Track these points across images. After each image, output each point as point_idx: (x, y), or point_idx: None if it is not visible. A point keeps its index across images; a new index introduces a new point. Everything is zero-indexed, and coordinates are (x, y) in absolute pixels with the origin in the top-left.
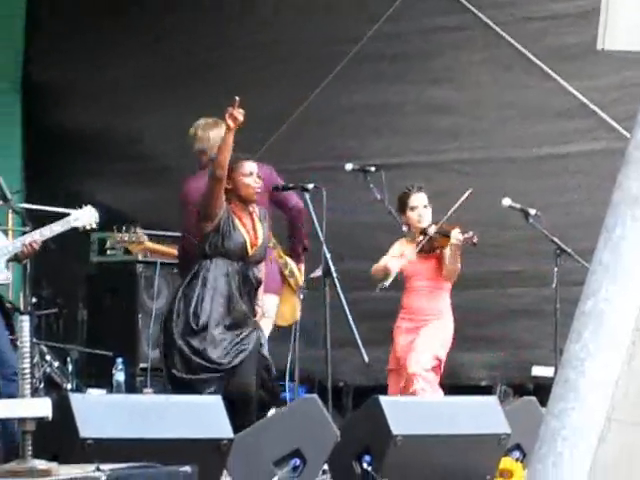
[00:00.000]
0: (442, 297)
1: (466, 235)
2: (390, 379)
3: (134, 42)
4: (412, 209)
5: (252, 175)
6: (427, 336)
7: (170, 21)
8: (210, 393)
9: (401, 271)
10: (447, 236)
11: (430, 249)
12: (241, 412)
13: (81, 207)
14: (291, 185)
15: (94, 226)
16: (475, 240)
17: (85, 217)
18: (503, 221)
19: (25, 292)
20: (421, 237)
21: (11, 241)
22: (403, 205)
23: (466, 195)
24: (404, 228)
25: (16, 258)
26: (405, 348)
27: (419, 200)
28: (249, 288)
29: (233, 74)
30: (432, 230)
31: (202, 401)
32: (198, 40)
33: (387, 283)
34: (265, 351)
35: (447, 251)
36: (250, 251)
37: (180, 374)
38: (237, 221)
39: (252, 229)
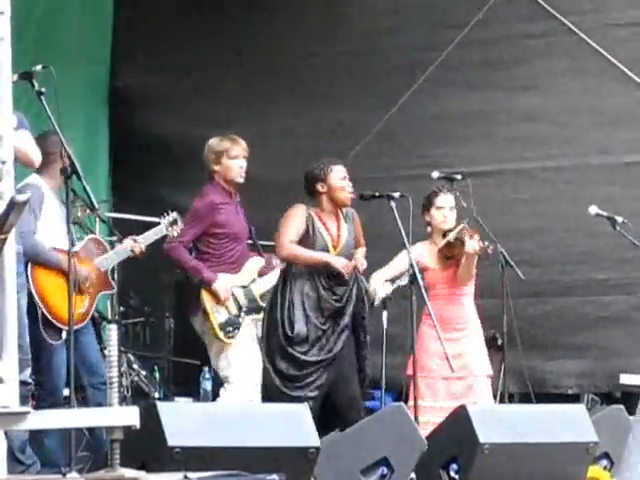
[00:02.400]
0: (466, 303)
1: (481, 245)
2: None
3: (216, 52)
4: (438, 208)
5: (346, 178)
6: (477, 345)
7: (252, 30)
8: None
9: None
10: (463, 244)
11: (449, 255)
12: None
13: (167, 214)
14: (377, 194)
15: (179, 232)
16: (490, 251)
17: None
18: (590, 229)
19: (113, 301)
20: (442, 241)
21: (118, 248)
22: (429, 204)
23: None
24: (428, 229)
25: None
26: (440, 355)
27: (447, 201)
28: (338, 286)
29: (318, 84)
30: (452, 236)
31: (289, 409)
32: (282, 50)
33: (376, 304)
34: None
35: (462, 259)
36: (333, 252)
37: (282, 385)
38: (321, 225)
39: (336, 229)
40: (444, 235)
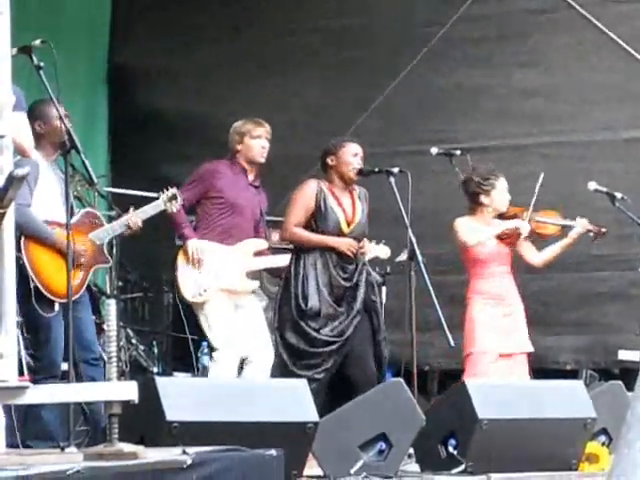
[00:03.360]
0: (512, 280)
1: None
2: (472, 362)
3: (216, 28)
4: (501, 192)
5: (357, 156)
6: (524, 321)
7: (251, 5)
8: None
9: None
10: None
11: (503, 236)
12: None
13: (167, 189)
14: (377, 169)
15: (179, 207)
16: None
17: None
18: (589, 205)
19: (111, 276)
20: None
21: (114, 222)
22: (491, 187)
23: (540, 181)
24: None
25: (115, 236)
26: (501, 333)
27: (505, 184)
28: (348, 265)
29: (317, 58)
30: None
31: (288, 384)
32: (282, 25)
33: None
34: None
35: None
36: (346, 229)
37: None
38: (332, 200)
39: (351, 206)
40: (500, 216)
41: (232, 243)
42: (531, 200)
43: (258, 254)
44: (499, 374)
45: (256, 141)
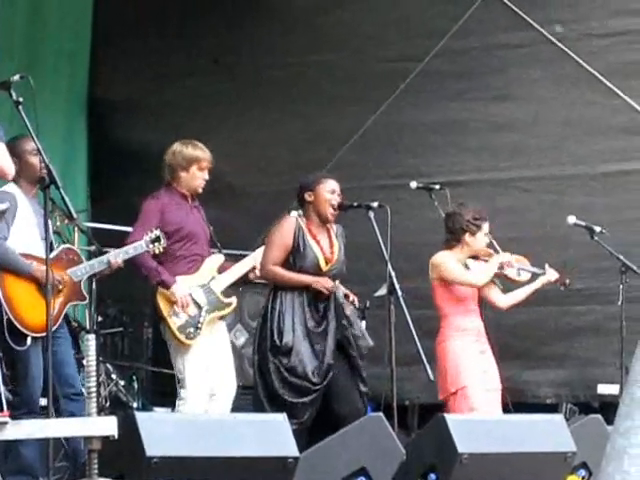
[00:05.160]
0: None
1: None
2: (455, 402)
3: (194, 61)
4: (486, 235)
5: (334, 193)
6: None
7: (231, 40)
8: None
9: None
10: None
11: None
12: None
13: (150, 231)
14: (356, 204)
15: (161, 250)
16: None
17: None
18: (568, 238)
19: (91, 311)
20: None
21: (93, 260)
22: (478, 228)
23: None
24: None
25: (93, 275)
26: (482, 370)
27: (487, 228)
28: (326, 304)
29: (296, 92)
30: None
31: (268, 419)
32: (260, 59)
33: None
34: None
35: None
36: (325, 267)
37: (283, 393)
38: (310, 238)
39: (328, 246)
40: (473, 257)
41: (195, 270)
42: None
43: (221, 269)
44: (487, 409)
45: (202, 173)
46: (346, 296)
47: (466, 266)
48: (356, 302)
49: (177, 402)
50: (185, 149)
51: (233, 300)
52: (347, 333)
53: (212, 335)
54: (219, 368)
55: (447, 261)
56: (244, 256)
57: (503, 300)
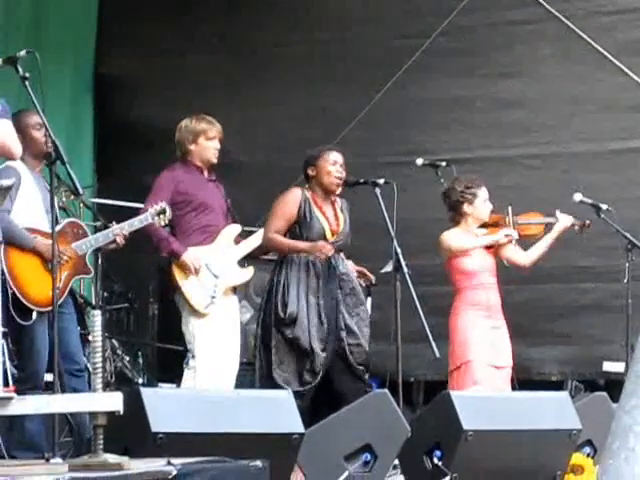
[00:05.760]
0: (497, 291)
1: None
2: (459, 376)
3: (199, 37)
4: (485, 201)
5: (336, 164)
6: (508, 335)
7: (236, 17)
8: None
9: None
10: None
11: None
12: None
13: (155, 204)
14: (362, 180)
15: (166, 222)
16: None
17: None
18: (574, 216)
19: (97, 287)
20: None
21: (98, 233)
22: (474, 196)
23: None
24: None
25: (98, 249)
26: (492, 346)
27: (487, 193)
28: (333, 275)
29: (302, 70)
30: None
31: (273, 395)
32: (266, 36)
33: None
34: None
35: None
36: (331, 238)
37: (277, 377)
38: (316, 209)
39: (334, 217)
40: (482, 225)
41: (211, 241)
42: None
43: (236, 241)
44: (490, 385)
45: (211, 142)
46: (361, 273)
47: (476, 236)
48: (372, 278)
49: (186, 371)
50: (190, 123)
51: (249, 270)
52: (343, 345)
53: (225, 308)
54: (226, 343)
55: (445, 236)
56: (252, 232)
57: (525, 258)
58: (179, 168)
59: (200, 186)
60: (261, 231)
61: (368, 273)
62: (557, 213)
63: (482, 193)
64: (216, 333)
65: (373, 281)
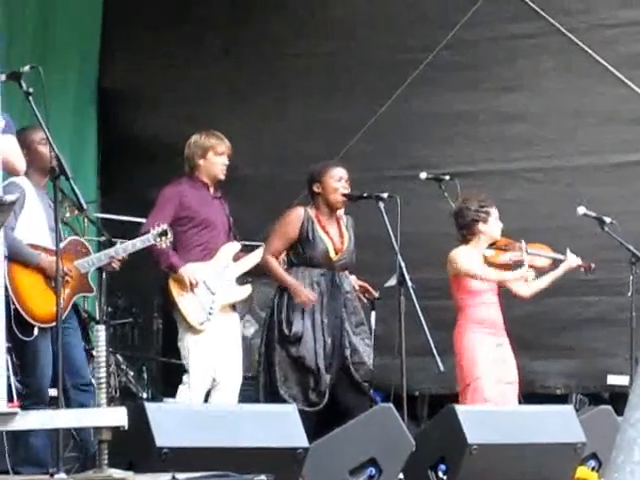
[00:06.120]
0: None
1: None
2: (468, 394)
3: (203, 51)
4: (496, 220)
5: (341, 180)
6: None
7: (240, 29)
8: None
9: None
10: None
11: (496, 265)
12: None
13: (158, 225)
14: (365, 194)
15: (169, 244)
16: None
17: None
18: (578, 229)
19: (101, 302)
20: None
21: (100, 252)
22: (487, 215)
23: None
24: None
25: (99, 268)
26: (499, 362)
27: (497, 213)
28: (337, 294)
29: (306, 83)
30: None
31: (277, 410)
32: (269, 50)
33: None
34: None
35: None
36: (334, 257)
37: (283, 393)
38: (319, 229)
39: (338, 235)
40: (492, 244)
41: (210, 258)
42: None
43: (236, 258)
44: (501, 402)
45: (220, 158)
46: (363, 289)
47: (484, 256)
48: (374, 295)
49: (180, 386)
50: (200, 139)
51: (247, 288)
52: (347, 363)
53: (223, 325)
54: (226, 359)
55: (459, 255)
56: (253, 247)
57: (526, 290)
58: (185, 183)
59: (204, 202)
60: (260, 250)
61: (371, 289)
62: (568, 252)
63: (494, 212)
64: (212, 350)
65: (376, 296)
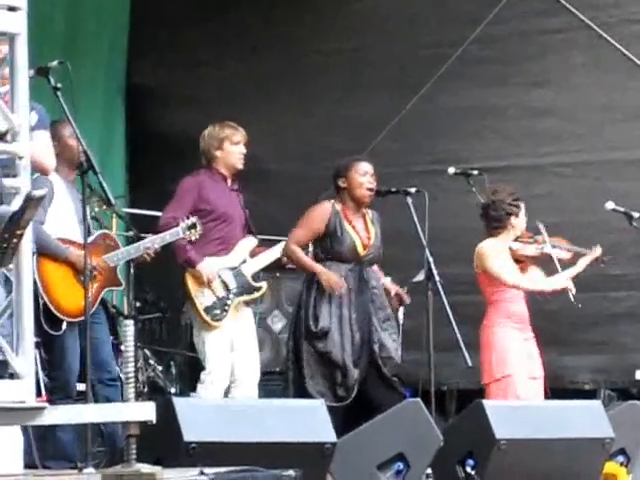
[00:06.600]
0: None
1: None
2: (499, 389)
3: (232, 47)
4: (524, 214)
5: (366, 175)
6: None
7: (268, 27)
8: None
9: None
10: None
11: (523, 257)
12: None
13: (187, 218)
14: (393, 189)
15: (197, 237)
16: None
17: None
18: (606, 224)
19: (129, 296)
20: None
21: (129, 246)
22: (517, 209)
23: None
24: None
25: (130, 260)
26: (528, 357)
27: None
28: (365, 289)
29: (332, 78)
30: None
31: (305, 405)
32: (296, 46)
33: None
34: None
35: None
36: (362, 252)
37: (312, 389)
38: (346, 224)
39: (365, 230)
40: (516, 239)
41: (226, 253)
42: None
43: (253, 253)
44: (531, 397)
45: (236, 147)
46: (396, 294)
47: (510, 249)
48: (405, 299)
49: (198, 385)
50: (214, 130)
51: (263, 285)
52: (375, 358)
53: (237, 320)
54: (243, 354)
55: (492, 254)
56: (277, 241)
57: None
58: (204, 174)
59: (223, 195)
60: (279, 245)
61: (405, 296)
62: (594, 248)
63: (523, 205)
64: (228, 346)
65: (408, 302)
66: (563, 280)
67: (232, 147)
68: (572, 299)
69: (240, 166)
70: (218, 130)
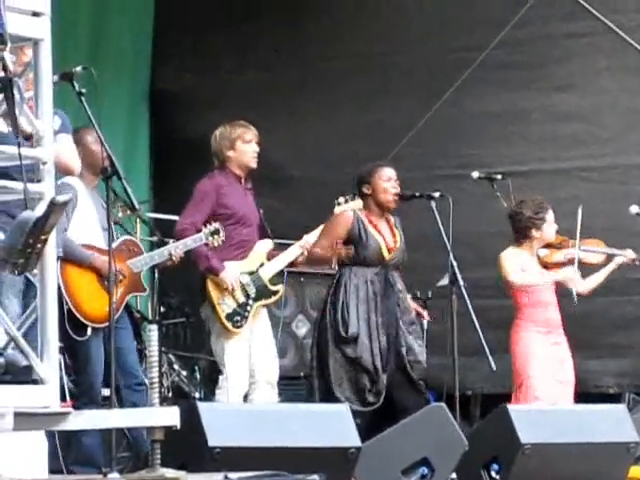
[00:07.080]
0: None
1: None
2: (520, 393)
3: (256, 54)
4: (550, 224)
5: (391, 180)
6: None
7: (291, 32)
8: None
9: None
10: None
11: (551, 264)
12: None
13: (210, 224)
14: (417, 194)
15: (220, 242)
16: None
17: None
18: (630, 228)
19: (153, 301)
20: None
21: (154, 252)
22: (542, 220)
23: (580, 213)
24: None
25: (152, 267)
26: (555, 361)
27: (553, 216)
28: (391, 293)
29: (356, 84)
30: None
31: (329, 409)
32: (320, 51)
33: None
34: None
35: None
36: (387, 256)
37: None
38: (371, 228)
39: (390, 234)
40: (547, 245)
41: (244, 256)
42: (575, 230)
43: (269, 256)
44: (554, 400)
45: (248, 145)
46: (417, 314)
47: (538, 256)
48: (425, 317)
49: (216, 390)
50: (225, 130)
51: (280, 288)
52: (404, 362)
53: (254, 324)
54: (261, 354)
55: (505, 260)
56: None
57: (583, 286)
58: (219, 176)
59: (240, 197)
60: (295, 247)
61: (424, 314)
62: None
63: (549, 217)
64: (246, 351)
65: (427, 319)
66: (569, 272)
67: (245, 146)
68: (573, 295)
69: (254, 165)
70: (229, 130)
